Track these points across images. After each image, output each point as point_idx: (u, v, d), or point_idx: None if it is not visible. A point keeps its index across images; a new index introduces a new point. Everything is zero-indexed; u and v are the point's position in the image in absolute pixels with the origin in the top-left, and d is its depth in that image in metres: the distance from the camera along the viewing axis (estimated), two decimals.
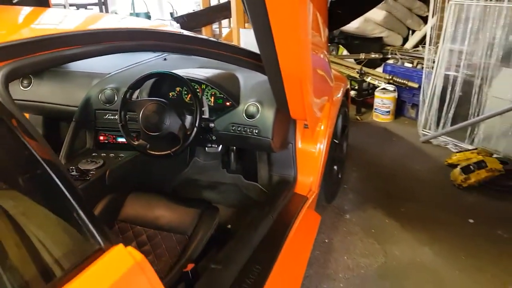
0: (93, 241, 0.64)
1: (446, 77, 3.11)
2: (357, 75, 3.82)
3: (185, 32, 1.33)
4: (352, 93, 3.87)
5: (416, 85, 3.52)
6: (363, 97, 3.89)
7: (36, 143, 0.65)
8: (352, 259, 1.90)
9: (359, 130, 3.58)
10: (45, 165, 0.64)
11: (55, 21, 1.15)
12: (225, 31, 5.24)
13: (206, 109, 1.75)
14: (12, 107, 0.65)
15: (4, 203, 0.61)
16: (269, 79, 1.37)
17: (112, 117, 1.85)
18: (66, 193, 0.64)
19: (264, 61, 1.28)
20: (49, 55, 0.81)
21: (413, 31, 4.26)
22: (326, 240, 2.04)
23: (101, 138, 1.91)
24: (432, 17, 3.21)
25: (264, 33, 1.14)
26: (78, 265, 0.59)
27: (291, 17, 1.09)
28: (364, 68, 3.83)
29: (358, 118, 3.85)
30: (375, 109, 3.78)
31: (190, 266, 1.26)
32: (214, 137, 1.80)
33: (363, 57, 4.07)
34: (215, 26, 5.22)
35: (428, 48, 3.28)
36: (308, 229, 1.94)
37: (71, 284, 0.56)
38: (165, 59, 2.19)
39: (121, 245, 0.64)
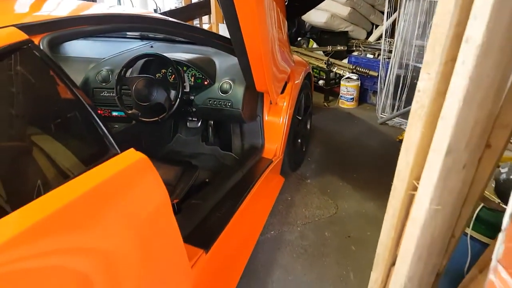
0: (113, 149, 1.02)
1: (400, 66, 3.56)
2: (324, 66, 4.23)
3: (174, 20, 1.71)
4: (320, 82, 4.28)
5: (376, 74, 3.96)
6: (330, 86, 4.30)
7: (70, 86, 1.01)
8: (309, 211, 2.30)
9: (326, 115, 3.99)
10: (82, 101, 1.01)
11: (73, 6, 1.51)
12: (205, 27, 5.59)
13: (187, 84, 2.12)
14: (51, 61, 1.00)
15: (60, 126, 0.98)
16: (238, 57, 1.76)
17: (108, 94, 2.20)
18: (99, 122, 1.01)
19: (233, 43, 1.67)
20: (74, 30, 1.19)
21: (376, 26, 4.70)
22: (289, 198, 2.44)
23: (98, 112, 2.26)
24: (388, 12, 3.64)
25: (232, 21, 1.53)
26: (107, 159, 0.96)
27: (252, 9, 1.48)
28: (331, 59, 4.25)
29: (326, 104, 4.27)
30: (341, 96, 4.21)
31: (175, 201, 1.63)
32: (194, 109, 2.17)
33: (330, 49, 4.49)
34: (196, 21, 5.56)
35: (385, 40, 3.72)
36: (272, 186, 2.35)
37: (105, 163, 0.93)
38: (151, 46, 2.54)
39: (132, 149, 1.02)
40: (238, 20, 1.53)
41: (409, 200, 1.07)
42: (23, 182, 0.86)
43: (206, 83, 2.19)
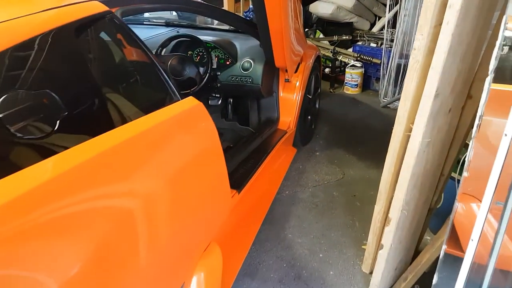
0: (174, 96, 1.30)
1: (401, 56, 3.83)
2: (331, 55, 4.51)
3: (209, 4, 2.03)
4: (326, 70, 4.56)
5: (379, 61, 4.24)
6: (336, 74, 4.58)
7: (143, 48, 1.29)
8: (319, 176, 2.60)
9: (332, 100, 4.28)
10: (153, 60, 1.29)
11: None
12: None
13: (214, 62, 2.41)
14: (127, 28, 1.28)
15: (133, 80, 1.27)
16: (260, 34, 2.05)
17: None
18: (166, 77, 1.29)
19: (257, 21, 1.96)
20: (138, 6, 1.48)
21: (379, 17, 4.98)
22: (300, 167, 2.73)
23: None
24: (390, 5, 3.92)
25: (258, 2, 1.82)
26: (173, 102, 1.25)
27: None
28: (336, 48, 4.53)
29: (332, 90, 4.55)
30: (346, 83, 4.49)
31: None
32: (218, 85, 2.46)
33: (336, 39, 4.76)
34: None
35: (387, 30, 4.00)
36: (286, 154, 2.64)
37: (171, 106, 1.22)
38: (177, 32, 2.83)
39: (191, 97, 1.31)
40: (264, 2, 1.81)
41: (406, 141, 1.36)
42: (112, 114, 1.15)
43: (228, 63, 2.48)
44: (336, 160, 2.83)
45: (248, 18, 4.36)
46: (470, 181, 1.02)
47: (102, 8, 1.24)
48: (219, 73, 2.43)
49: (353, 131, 3.39)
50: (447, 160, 1.52)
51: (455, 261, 1.17)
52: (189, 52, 2.53)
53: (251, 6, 5.17)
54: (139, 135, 1.01)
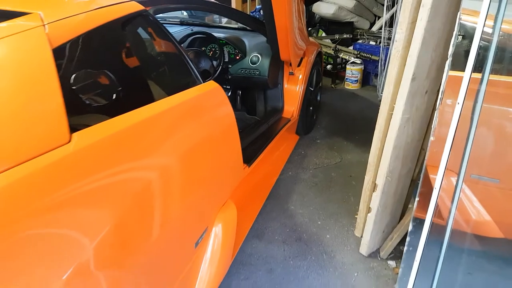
0: (197, 80, 1.58)
1: None
2: (332, 52, 4.78)
3: (223, 4, 2.31)
4: (328, 67, 4.83)
5: (377, 58, 4.50)
6: (337, 70, 4.85)
7: (173, 40, 1.57)
8: (319, 160, 2.87)
9: (333, 95, 4.54)
10: (181, 50, 1.57)
11: None
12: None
13: (226, 56, 2.69)
14: (160, 24, 1.56)
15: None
16: (267, 30, 2.33)
17: None
18: (191, 64, 1.57)
19: (265, 18, 2.24)
20: (165, 6, 1.76)
21: (379, 17, 5.24)
22: (302, 152, 3.00)
23: None
24: (388, 6, 4.19)
25: (266, 3, 2.09)
26: (196, 85, 1.53)
27: None
28: (338, 46, 4.80)
29: (333, 86, 4.82)
30: (346, 79, 4.75)
31: None
32: (229, 77, 2.74)
33: (337, 38, 5.03)
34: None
35: (385, 29, 4.26)
36: (290, 140, 2.92)
37: (195, 87, 1.49)
38: (192, 30, 3.10)
39: (212, 81, 1.58)
40: (271, 2, 2.09)
41: (390, 118, 1.62)
42: (153, 91, 1.42)
43: (237, 57, 2.75)
44: (335, 146, 3.10)
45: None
46: (435, 147, 1.28)
47: (140, 7, 1.52)
48: (230, 66, 2.71)
49: (352, 122, 3.66)
50: (426, 136, 1.79)
51: (421, 223, 1.42)
52: (203, 48, 2.81)
53: (257, 6, 5.46)
54: (176, 107, 1.30)
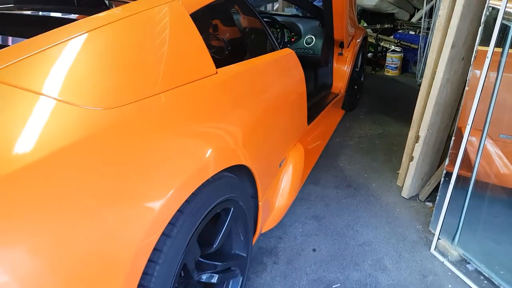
0: (276, 47, 2.01)
1: None
2: (373, 41, 5.10)
3: None
4: (369, 55, 5.16)
5: (416, 46, 4.79)
6: (378, 58, 5.17)
7: (258, 16, 2.00)
8: (363, 131, 3.24)
9: (374, 80, 4.88)
10: (265, 26, 2.00)
11: None
12: None
13: (286, 36, 3.11)
14: (250, 5, 1.99)
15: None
16: (325, 14, 2.73)
17: None
18: (272, 37, 2.00)
19: (324, 4, 2.64)
20: None
21: (418, 9, 5.51)
22: (347, 125, 3.38)
23: None
24: None
25: None
26: (276, 50, 1.96)
27: None
28: (379, 35, 5.11)
29: (373, 72, 5.14)
30: (387, 65, 5.07)
31: None
32: None
33: (378, 27, 5.35)
34: None
35: (424, 20, 4.55)
36: (337, 112, 3.31)
37: (274, 52, 1.92)
38: None
39: (287, 48, 2.00)
40: None
41: (432, 80, 1.98)
42: (249, 51, 1.86)
43: (292, 40, 3.17)
44: (377, 121, 3.46)
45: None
46: (466, 109, 1.63)
47: None
48: (288, 46, 3.12)
49: (392, 102, 4.00)
50: (461, 99, 2.14)
51: (451, 174, 1.76)
52: None
53: None
54: (269, 62, 1.75)
